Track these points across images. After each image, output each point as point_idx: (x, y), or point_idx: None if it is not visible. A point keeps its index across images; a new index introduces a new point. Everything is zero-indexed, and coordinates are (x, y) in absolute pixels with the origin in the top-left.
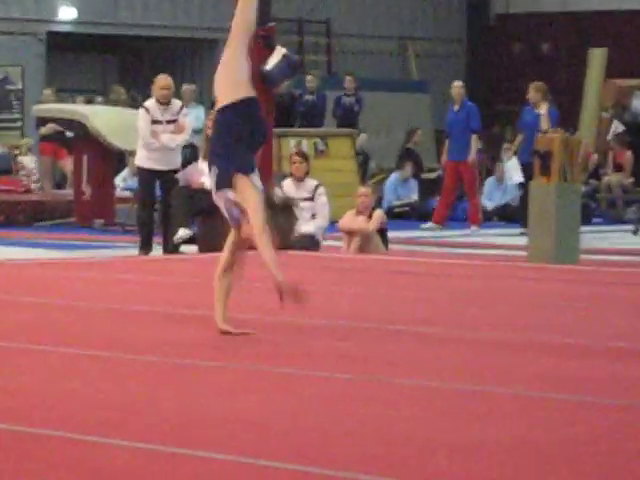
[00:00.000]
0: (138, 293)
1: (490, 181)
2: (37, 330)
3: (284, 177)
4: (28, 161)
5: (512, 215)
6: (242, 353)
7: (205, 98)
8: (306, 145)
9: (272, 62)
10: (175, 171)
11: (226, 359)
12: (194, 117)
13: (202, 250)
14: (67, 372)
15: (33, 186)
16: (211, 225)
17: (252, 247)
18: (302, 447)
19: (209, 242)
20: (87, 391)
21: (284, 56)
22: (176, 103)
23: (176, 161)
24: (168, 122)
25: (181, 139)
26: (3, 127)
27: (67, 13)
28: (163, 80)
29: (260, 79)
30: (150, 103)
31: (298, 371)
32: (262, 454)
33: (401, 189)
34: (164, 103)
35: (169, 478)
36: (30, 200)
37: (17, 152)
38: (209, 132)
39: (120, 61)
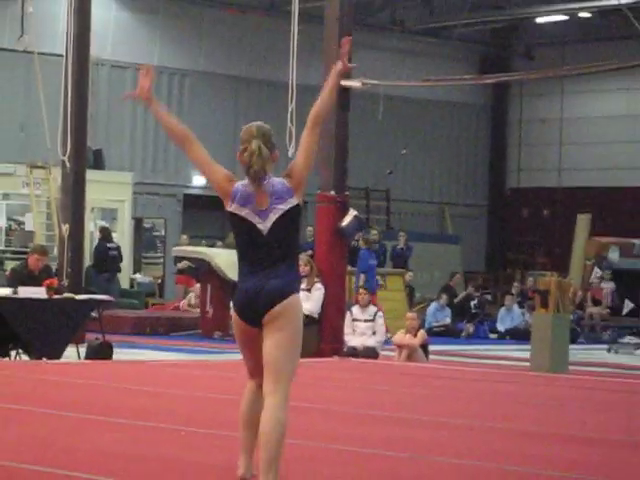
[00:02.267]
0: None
1: (502, 310)
2: (167, 413)
3: (352, 304)
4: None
5: (520, 335)
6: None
7: None
8: None
9: (346, 220)
10: None
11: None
12: None
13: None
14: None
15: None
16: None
17: None
18: None
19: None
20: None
21: (355, 216)
22: None
23: None
24: None
25: None
26: (150, 262)
27: (199, 181)
28: None
29: (337, 233)
30: None
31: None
32: None
33: (439, 314)
34: None
35: None
36: (168, 317)
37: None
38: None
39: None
